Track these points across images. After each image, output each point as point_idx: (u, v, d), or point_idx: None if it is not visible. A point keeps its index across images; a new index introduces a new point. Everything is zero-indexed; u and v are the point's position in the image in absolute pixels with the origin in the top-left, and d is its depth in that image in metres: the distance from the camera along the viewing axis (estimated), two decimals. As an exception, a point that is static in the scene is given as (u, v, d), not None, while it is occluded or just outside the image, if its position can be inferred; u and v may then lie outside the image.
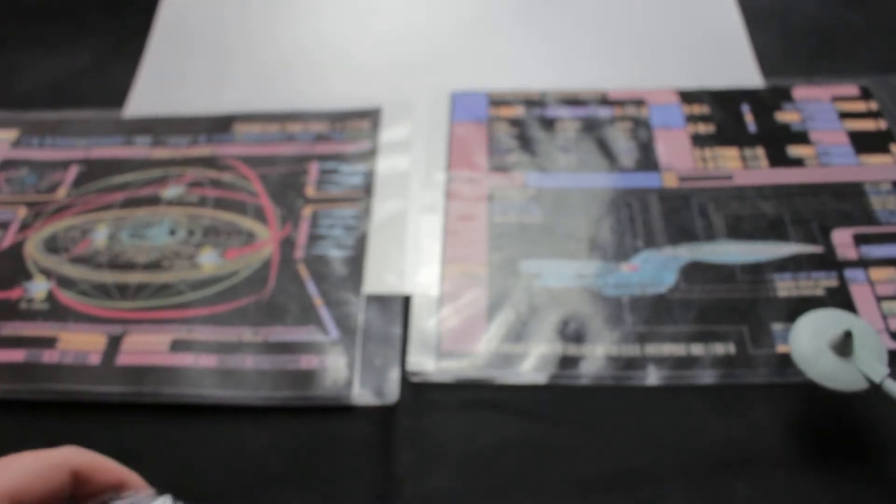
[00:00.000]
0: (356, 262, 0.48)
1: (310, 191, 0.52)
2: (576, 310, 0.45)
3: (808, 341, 0.38)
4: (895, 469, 0.39)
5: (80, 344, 0.45)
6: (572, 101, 0.57)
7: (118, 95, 0.60)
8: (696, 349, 0.43)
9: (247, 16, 0.66)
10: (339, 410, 0.43)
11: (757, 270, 0.46)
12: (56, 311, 0.47)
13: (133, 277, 0.48)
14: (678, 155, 0.53)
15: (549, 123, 0.55)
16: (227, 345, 0.45)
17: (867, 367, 0.37)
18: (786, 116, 0.54)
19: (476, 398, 0.43)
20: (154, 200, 0.53)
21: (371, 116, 0.57)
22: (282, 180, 0.53)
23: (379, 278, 0.48)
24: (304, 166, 0.54)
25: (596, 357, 0.43)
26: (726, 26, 0.62)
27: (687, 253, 0.47)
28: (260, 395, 0.43)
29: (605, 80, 0.58)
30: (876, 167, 0.51)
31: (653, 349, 0.43)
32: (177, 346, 0.45)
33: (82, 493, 0.30)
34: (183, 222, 0.51)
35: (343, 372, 0.43)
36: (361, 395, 0.43)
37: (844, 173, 0.51)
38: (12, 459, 0.29)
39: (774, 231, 0.48)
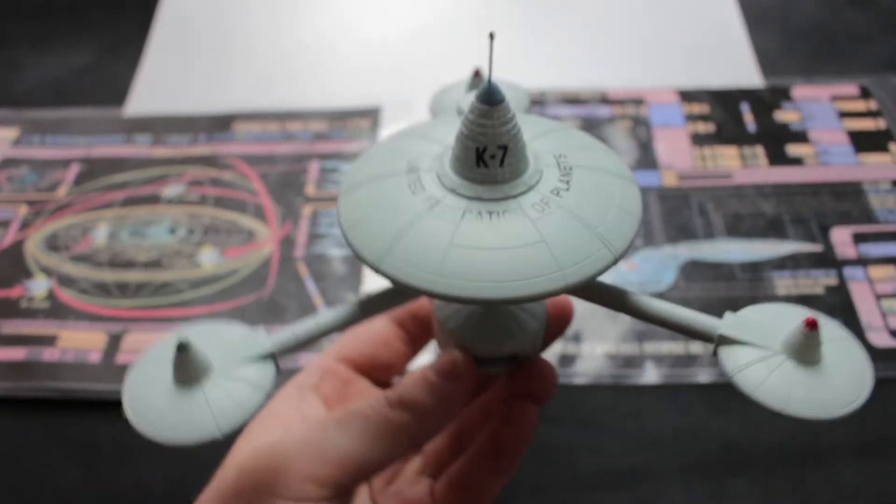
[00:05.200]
0: (356, 260, 0.48)
1: (310, 189, 0.53)
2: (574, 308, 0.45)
3: None
4: (894, 466, 0.39)
5: (80, 342, 0.45)
6: (572, 100, 0.57)
7: (118, 94, 0.61)
8: (695, 347, 0.43)
9: (247, 14, 0.66)
10: (339, 408, 0.43)
11: (756, 269, 0.46)
12: (56, 310, 0.47)
13: (133, 276, 0.48)
14: (677, 154, 0.53)
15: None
16: (226, 343, 0.45)
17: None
18: (785, 116, 0.55)
19: (475, 396, 0.43)
20: (154, 199, 0.53)
21: (371, 115, 0.57)
22: (282, 179, 0.53)
23: (379, 277, 0.48)
24: (304, 165, 0.54)
25: (595, 356, 0.43)
26: (726, 26, 0.62)
27: (686, 251, 0.47)
28: (260, 393, 0.43)
29: (604, 80, 0.58)
30: (875, 166, 0.51)
31: (651, 347, 0.43)
32: (177, 344, 0.45)
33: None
34: (183, 221, 0.51)
35: (342, 370, 0.43)
36: (361, 394, 0.43)
37: (843, 172, 0.51)
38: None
39: (773, 230, 0.48)
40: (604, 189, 0.23)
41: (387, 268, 0.21)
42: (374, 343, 0.31)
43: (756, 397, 0.21)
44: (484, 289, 0.20)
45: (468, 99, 0.26)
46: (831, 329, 0.22)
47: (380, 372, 0.32)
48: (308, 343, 0.24)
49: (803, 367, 0.21)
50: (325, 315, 0.24)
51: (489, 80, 0.21)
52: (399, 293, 0.25)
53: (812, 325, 0.21)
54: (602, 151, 0.25)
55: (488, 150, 0.21)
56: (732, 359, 0.22)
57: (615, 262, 0.21)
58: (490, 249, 0.21)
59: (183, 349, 0.21)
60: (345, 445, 0.24)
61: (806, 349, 0.21)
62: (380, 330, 0.32)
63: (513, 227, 0.21)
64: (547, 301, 0.28)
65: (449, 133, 0.24)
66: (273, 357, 0.23)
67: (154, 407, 0.21)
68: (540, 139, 0.24)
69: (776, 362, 0.21)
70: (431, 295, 0.21)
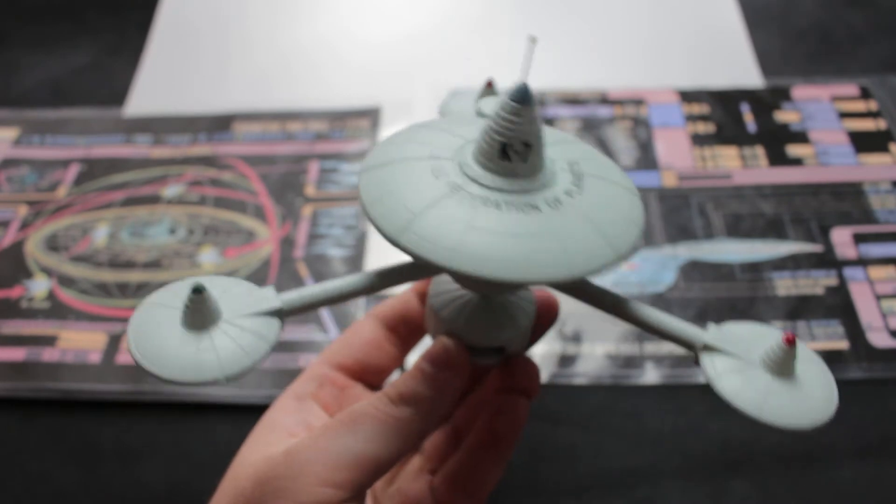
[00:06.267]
0: (356, 261, 0.48)
1: (309, 190, 0.53)
2: (574, 309, 0.45)
3: None
4: (893, 467, 0.39)
5: (80, 342, 0.45)
6: (572, 100, 0.57)
7: (118, 94, 0.61)
8: (695, 348, 0.43)
9: (247, 15, 0.66)
10: (339, 409, 0.43)
11: (756, 269, 0.46)
12: (56, 310, 0.47)
13: (133, 276, 0.48)
14: (677, 154, 0.53)
15: (548, 123, 0.55)
16: (226, 343, 0.45)
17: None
18: (785, 116, 0.55)
19: (475, 397, 0.43)
20: (154, 199, 0.53)
21: (370, 115, 0.57)
22: (282, 179, 0.53)
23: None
24: (303, 165, 0.54)
25: (595, 356, 0.43)
26: (726, 26, 0.62)
27: (686, 252, 0.47)
28: (260, 393, 0.43)
29: (604, 80, 0.58)
30: (875, 167, 0.51)
31: (651, 348, 0.43)
32: (177, 344, 0.45)
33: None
34: (183, 221, 0.51)
35: (342, 370, 0.43)
36: (361, 394, 0.43)
37: (843, 173, 0.51)
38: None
39: (773, 230, 0.48)
40: (611, 197, 0.24)
41: (406, 242, 0.22)
42: (365, 348, 0.32)
43: (734, 403, 0.23)
44: (497, 269, 0.21)
45: (488, 104, 0.29)
46: (804, 351, 0.24)
47: (373, 376, 0.32)
48: (315, 307, 0.25)
49: (778, 379, 0.23)
50: (335, 281, 0.25)
51: (524, 82, 0.23)
52: (417, 269, 0.26)
53: (791, 342, 0.23)
54: (609, 164, 0.26)
55: (514, 145, 0.23)
56: (712, 366, 0.24)
57: (617, 261, 0.23)
58: (505, 235, 0.22)
59: (198, 291, 0.22)
60: (358, 446, 0.25)
61: (782, 363, 0.23)
62: (370, 335, 0.32)
63: (528, 217, 0.23)
64: (536, 297, 0.31)
65: (469, 130, 0.25)
66: (280, 314, 0.23)
67: (161, 346, 0.22)
68: (552, 147, 0.25)
69: (753, 372, 0.23)
70: (448, 270, 0.22)
